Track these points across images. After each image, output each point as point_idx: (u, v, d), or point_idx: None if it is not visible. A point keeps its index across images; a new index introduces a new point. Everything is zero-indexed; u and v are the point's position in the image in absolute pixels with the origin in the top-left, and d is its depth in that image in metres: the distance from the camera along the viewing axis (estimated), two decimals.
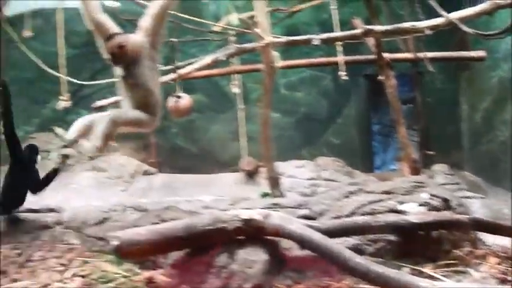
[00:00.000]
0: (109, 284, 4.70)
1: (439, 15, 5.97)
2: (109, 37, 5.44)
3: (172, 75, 7.27)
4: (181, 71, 6.66)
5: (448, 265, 4.53)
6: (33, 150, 6.36)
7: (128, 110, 5.54)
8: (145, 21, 5.62)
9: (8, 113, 5.86)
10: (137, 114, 5.52)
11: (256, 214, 4.35)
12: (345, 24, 8.49)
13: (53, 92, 9.94)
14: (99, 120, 5.45)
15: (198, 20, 9.38)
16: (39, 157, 6.26)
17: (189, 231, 4.35)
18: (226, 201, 6.28)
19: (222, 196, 7.10)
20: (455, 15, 5.97)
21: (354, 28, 7.54)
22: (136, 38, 5.56)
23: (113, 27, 5.64)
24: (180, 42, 9.50)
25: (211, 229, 4.32)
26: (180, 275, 4.51)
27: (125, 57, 5.47)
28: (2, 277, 5.19)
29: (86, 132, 5.58)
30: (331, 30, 8.08)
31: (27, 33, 8.91)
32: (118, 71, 5.69)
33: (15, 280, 5.11)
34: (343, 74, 8.49)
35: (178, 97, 6.00)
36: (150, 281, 4.59)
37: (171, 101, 6.38)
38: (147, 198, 7.46)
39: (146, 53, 5.56)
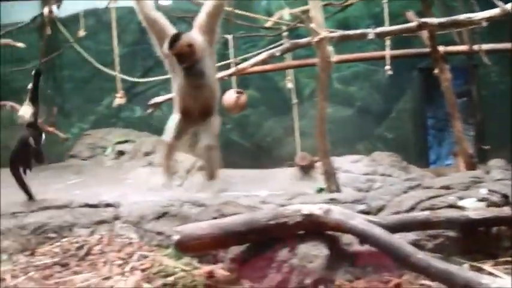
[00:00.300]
0: (168, 278, 4.74)
1: (494, 6, 5.86)
2: (176, 37, 5.49)
3: (226, 72, 7.28)
4: (238, 67, 6.65)
5: (508, 262, 4.45)
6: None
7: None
8: (201, 19, 5.66)
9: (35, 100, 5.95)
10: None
11: (317, 209, 4.33)
12: (397, 17, 8.40)
13: (107, 90, 10.14)
14: None
15: (250, 15, 9.43)
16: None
17: (250, 226, 4.37)
18: (283, 196, 6.27)
19: (278, 191, 7.10)
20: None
21: (406, 21, 7.44)
22: (199, 37, 5.61)
23: (168, 25, 5.71)
24: (233, 38, 9.57)
25: (273, 224, 4.32)
26: (240, 270, 4.53)
27: (193, 56, 5.52)
28: (64, 269, 5.31)
29: None
30: (383, 24, 8.01)
31: (81, 33, 9.09)
32: (175, 70, 5.75)
33: (76, 272, 5.22)
34: (388, 69, 8.41)
35: (241, 93, 5.99)
36: (210, 275, 4.62)
37: (231, 97, 6.38)
38: (202, 193, 7.49)
39: (207, 51, 5.61)
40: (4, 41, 9.15)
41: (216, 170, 6.13)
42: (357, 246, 4.52)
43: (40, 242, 6.24)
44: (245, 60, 7.43)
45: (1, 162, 10.05)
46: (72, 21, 9.18)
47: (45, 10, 5.73)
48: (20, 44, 9.36)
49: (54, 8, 5.71)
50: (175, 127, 6.04)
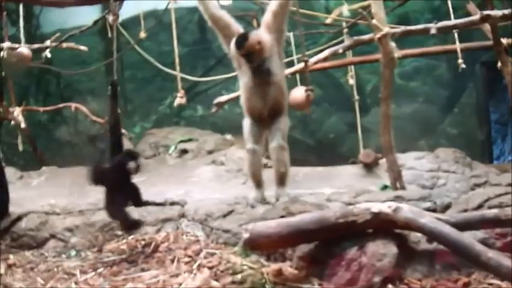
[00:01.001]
0: (237, 275, 4.78)
1: None
2: (243, 36, 5.54)
3: (289, 70, 7.28)
4: (300, 65, 6.64)
5: None
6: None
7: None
8: (267, 18, 5.69)
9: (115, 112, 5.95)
10: None
11: (386, 207, 4.32)
12: (458, 10, 8.27)
13: (168, 90, 10.28)
14: None
15: (310, 12, 9.42)
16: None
17: (319, 224, 4.37)
18: (348, 193, 6.25)
19: (342, 189, 7.07)
20: None
21: (467, 14, 7.32)
22: (266, 35, 5.65)
23: (234, 23, 5.76)
24: (294, 35, 9.58)
25: (342, 222, 4.32)
26: (309, 268, 4.55)
27: (262, 55, 5.57)
28: (131, 266, 5.42)
29: None
30: (444, 18, 7.88)
31: (142, 34, 9.23)
32: (243, 69, 5.79)
33: (143, 269, 5.31)
34: (461, 62, 8.28)
35: (311, 90, 5.98)
36: (278, 273, 4.64)
37: (302, 94, 6.35)
38: (267, 190, 7.50)
39: (275, 49, 5.64)
40: (67, 44, 9.35)
41: (286, 173, 6.12)
42: (425, 245, 4.50)
43: (107, 239, 6.40)
44: (307, 57, 7.38)
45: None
46: (132, 22, 9.32)
47: (110, 17, 5.78)
48: (83, 47, 9.56)
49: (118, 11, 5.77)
50: (251, 133, 6.07)
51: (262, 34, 5.70)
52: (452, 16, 7.88)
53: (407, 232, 4.47)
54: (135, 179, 6.09)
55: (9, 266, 5.81)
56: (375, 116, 9.11)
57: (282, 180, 6.18)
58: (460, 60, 8.24)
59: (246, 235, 4.52)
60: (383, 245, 4.27)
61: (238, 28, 5.95)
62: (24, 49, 8.58)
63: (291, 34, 9.27)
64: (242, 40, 5.61)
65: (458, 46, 8.28)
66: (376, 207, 4.34)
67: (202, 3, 5.85)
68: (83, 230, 6.51)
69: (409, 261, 4.39)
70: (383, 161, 7.28)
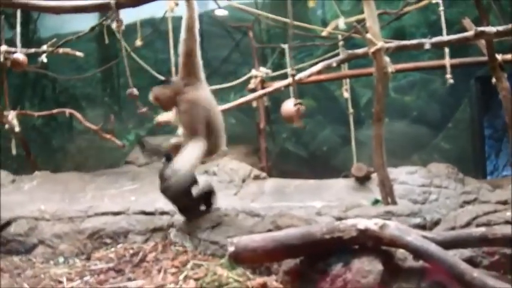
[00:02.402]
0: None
1: None
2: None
3: (283, 82, 7.30)
4: (294, 78, 6.65)
5: None
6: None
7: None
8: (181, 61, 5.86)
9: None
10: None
11: (372, 224, 4.31)
12: (454, 25, 8.29)
13: None
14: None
15: (305, 25, 9.44)
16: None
17: (304, 240, 4.38)
18: (338, 207, 6.25)
19: (333, 202, 7.08)
20: None
21: (463, 28, 7.33)
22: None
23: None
24: (288, 47, 9.60)
25: (327, 238, 4.33)
26: (294, 283, 4.55)
27: (165, 108, 6.00)
28: (118, 275, 5.42)
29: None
30: (440, 32, 7.91)
31: (138, 42, 9.25)
32: None
33: (130, 279, 5.31)
34: (449, 77, 8.30)
35: (300, 103, 6.00)
36: (263, 287, 4.65)
37: (291, 108, 6.37)
38: (258, 202, 7.51)
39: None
40: (63, 49, 9.36)
41: None
42: (411, 262, 4.48)
43: (96, 247, 6.40)
44: (301, 69, 7.40)
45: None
46: (129, 30, 9.31)
47: (114, 25, 5.81)
48: (79, 53, 9.58)
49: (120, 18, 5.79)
50: None
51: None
52: (446, 31, 7.91)
53: (394, 249, 4.45)
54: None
55: None
56: (368, 129, 9.10)
57: None
58: (448, 75, 8.29)
59: (231, 248, 4.53)
60: (368, 261, 4.26)
61: None
62: (20, 55, 8.59)
63: (286, 46, 9.34)
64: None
65: (448, 61, 8.34)
66: (362, 223, 4.33)
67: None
68: (71, 237, 6.51)
69: (395, 279, 4.36)
70: (375, 175, 7.28)
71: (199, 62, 5.88)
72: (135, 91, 6.41)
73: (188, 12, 5.67)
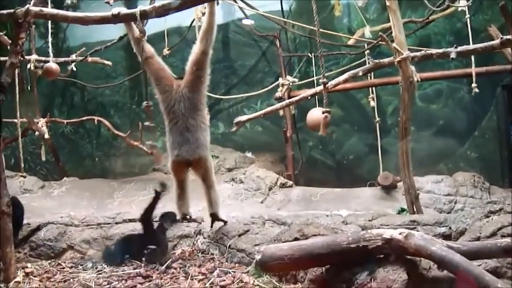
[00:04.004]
0: None
1: None
2: None
3: (310, 91, 7.32)
4: (319, 87, 6.66)
5: None
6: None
7: None
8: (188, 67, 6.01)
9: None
10: None
11: (397, 234, 4.33)
12: (480, 33, 8.28)
13: None
14: None
15: (332, 33, 9.47)
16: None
17: (330, 249, 4.42)
18: (364, 216, 6.26)
19: (359, 211, 7.09)
20: None
21: (489, 36, 7.30)
22: None
23: (167, 69, 6.11)
24: (315, 56, 9.64)
25: (353, 247, 4.36)
26: None
27: None
28: (146, 281, 5.47)
29: None
30: (465, 40, 7.88)
31: (165, 51, 9.33)
32: None
33: (157, 285, 5.36)
34: (474, 86, 8.25)
35: (329, 112, 6.02)
36: None
37: (319, 116, 6.39)
38: (284, 210, 7.53)
39: None
40: (92, 58, 9.51)
41: None
42: (435, 271, 4.48)
43: None
44: (328, 78, 7.39)
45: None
46: (156, 38, 9.40)
47: (136, 32, 5.90)
48: (108, 62, 9.73)
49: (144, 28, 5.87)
50: None
51: None
52: (472, 39, 7.86)
53: (419, 258, 4.45)
54: None
55: (27, 274, 5.92)
56: (394, 138, 9.09)
57: None
58: (474, 84, 8.22)
59: (258, 256, 4.57)
60: (393, 271, 4.28)
61: (170, 73, 6.11)
62: (52, 64, 8.76)
63: (312, 55, 9.38)
64: None
65: (473, 70, 8.25)
66: (388, 233, 4.35)
67: (137, 46, 6.01)
68: (100, 243, 6.61)
69: None
70: (401, 184, 7.27)
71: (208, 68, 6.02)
72: (150, 104, 6.56)
73: (209, 18, 5.83)
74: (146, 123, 6.36)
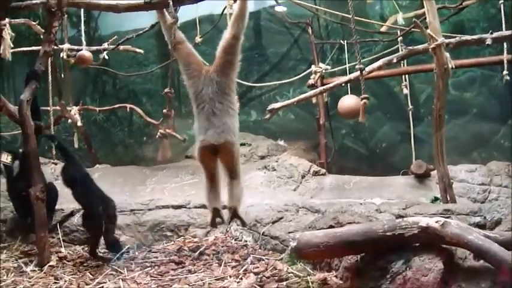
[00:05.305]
0: (282, 282, 4.83)
1: None
2: None
3: (343, 78, 7.26)
4: (353, 74, 6.61)
5: None
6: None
7: None
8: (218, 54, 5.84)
9: None
10: None
11: (434, 222, 4.27)
12: None
13: None
14: None
15: (364, 20, 9.39)
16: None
17: (366, 236, 4.38)
18: (398, 205, 6.22)
19: (392, 199, 7.05)
20: None
21: None
22: None
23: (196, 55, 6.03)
24: (347, 43, 9.58)
25: (389, 235, 4.31)
26: (354, 279, 4.56)
27: None
28: (179, 267, 5.51)
29: None
30: (500, 26, 7.77)
31: (197, 39, 9.34)
32: None
33: (190, 271, 5.40)
34: (505, 74, 8.11)
35: (368, 98, 5.94)
36: (323, 283, 4.69)
37: (350, 102, 6.37)
38: (317, 198, 7.51)
39: None
40: (124, 47, 9.56)
41: None
42: (471, 261, 4.41)
43: (156, 239, 6.54)
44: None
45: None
46: (188, 27, 9.40)
47: (169, 18, 5.91)
48: (139, 50, 9.77)
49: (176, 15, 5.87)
50: None
51: None
52: (506, 25, 7.76)
53: (454, 248, 4.39)
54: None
55: (60, 259, 6.02)
56: (428, 126, 9.01)
57: None
58: (505, 72, 8.07)
59: (293, 243, 4.56)
60: (429, 260, 4.24)
61: (199, 59, 6.02)
62: (85, 52, 8.84)
63: (344, 42, 9.32)
64: None
65: (505, 57, 8.11)
66: (424, 221, 4.30)
67: (168, 33, 5.98)
68: (133, 229, 6.69)
69: (455, 278, 4.30)
70: (435, 173, 7.21)
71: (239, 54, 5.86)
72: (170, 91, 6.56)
73: (241, 3, 5.70)
74: (165, 111, 6.30)
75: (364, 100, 5.97)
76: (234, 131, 5.67)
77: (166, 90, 6.23)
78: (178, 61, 5.99)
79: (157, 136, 6.36)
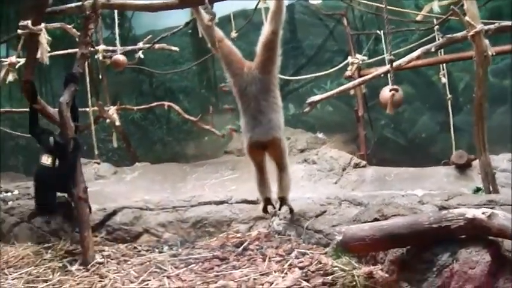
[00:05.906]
0: (327, 276, 4.81)
1: None
2: None
3: (381, 69, 7.21)
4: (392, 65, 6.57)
5: None
6: None
7: None
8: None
9: None
10: None
11: (480, 213, 4.22)
12: None
13: None
14: None
15: (400, 9, 9.31)
16: None
17: (412, 229, 4.35)
18: (440, 196, 6.16)
19: (434, 191, 6.98)
20: None
21: None
22: None
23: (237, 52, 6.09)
24: (384, 33, 9.49)
25: (435, 227, 4.27)
26: (400, 272, 4.53)
27: None
28: (223, 263, 5.53)
29: None
30: None
31: (233, 34, 9.35)
32: None
33: (235, 267, 5.40)
34: None
35: (396, 90, 5.91)
36: (369, 276, 4.65)
37: (387, 94, 6.33)
38: (358, 191, 7.48)
39: None
40: (159, 45, 9.62)
41: None
42: None
43: (199, 236, 6.56)
44: (397, 55, 7.28)
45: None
46: (221, 23, 9.44)
47: (205, 16, 5.93)
48: (174, 48, 9.81)
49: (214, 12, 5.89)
50: None
51: None
52: None
53: (501, 239, 4.32)
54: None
55: (104, 258, 6.06)
56: (467, 115, 8.93)
57: None
58: None
59: (339, 237, 4.56)
60: (476, 252, 4.18)
61: (240, 56, 6.08)
62: (120, 56, 8.96)
63: (381, 32, 9.24)
64: None
65: None
66: (470, 212, 4.24)
67: (206, 31, 6.01)
68: (175, 226, 6.72)
69: (502, 271, 4.24)
70: (476, 163, 7.12)
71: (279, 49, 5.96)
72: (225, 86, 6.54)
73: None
74: (225, 106, 6.35)
75: (392, 92, 5.94)
76: (280, 126, 5.94)
77: (221, 85, 6.29)
78: (219, 59, 6.05)
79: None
